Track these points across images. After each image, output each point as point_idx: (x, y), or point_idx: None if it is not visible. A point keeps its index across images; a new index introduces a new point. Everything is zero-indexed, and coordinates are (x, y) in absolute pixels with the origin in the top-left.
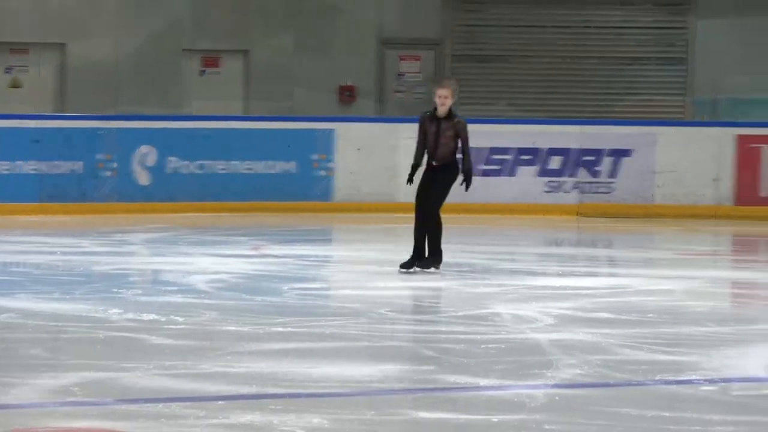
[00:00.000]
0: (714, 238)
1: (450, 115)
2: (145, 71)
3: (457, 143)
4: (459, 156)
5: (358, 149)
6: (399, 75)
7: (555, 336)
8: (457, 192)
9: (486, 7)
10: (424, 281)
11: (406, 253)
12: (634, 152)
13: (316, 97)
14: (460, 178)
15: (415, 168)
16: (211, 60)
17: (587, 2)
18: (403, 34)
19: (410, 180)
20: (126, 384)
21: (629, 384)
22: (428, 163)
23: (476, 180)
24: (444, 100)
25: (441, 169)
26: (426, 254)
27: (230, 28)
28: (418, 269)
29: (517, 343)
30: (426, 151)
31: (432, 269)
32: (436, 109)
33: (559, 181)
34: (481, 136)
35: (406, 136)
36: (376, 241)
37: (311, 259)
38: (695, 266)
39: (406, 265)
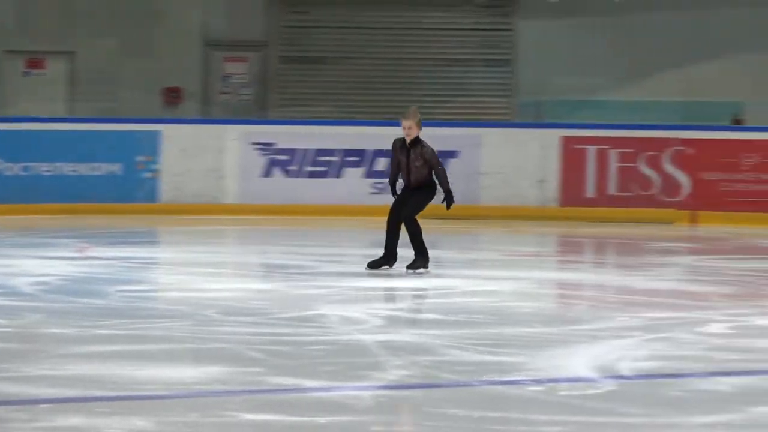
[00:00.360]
0: (539, 239)
1: (416, 142)
2: None
3: (429, 169)
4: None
5: (184, 150)
6: (224, 77)
7: (382, 337)
8: (285, 194)
9: (311, 9)
10: (251, 284)
11: (233, 254)
12: (460, 154)
13: (142, 99)
14: (440, 196)
15: (392, 185)
16: (35, 61)
17: (411, 4)
18: (228, 36)
19: (394, 194)
20: None
21: (456, 384)
22: (404, 186)
23: (303, 182)
24: (408, 130)
25: (417, 189)
26: (414, 255)
27: (55, 30)
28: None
29: (344, 344)
30: (401, 175)
31: (421, 270)
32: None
33: (385, 183)
34: (306, 137)
35: (232, 137)
36: (202, 243)
37: (137, 261)
38: (521, 267)
39: (373, 265)
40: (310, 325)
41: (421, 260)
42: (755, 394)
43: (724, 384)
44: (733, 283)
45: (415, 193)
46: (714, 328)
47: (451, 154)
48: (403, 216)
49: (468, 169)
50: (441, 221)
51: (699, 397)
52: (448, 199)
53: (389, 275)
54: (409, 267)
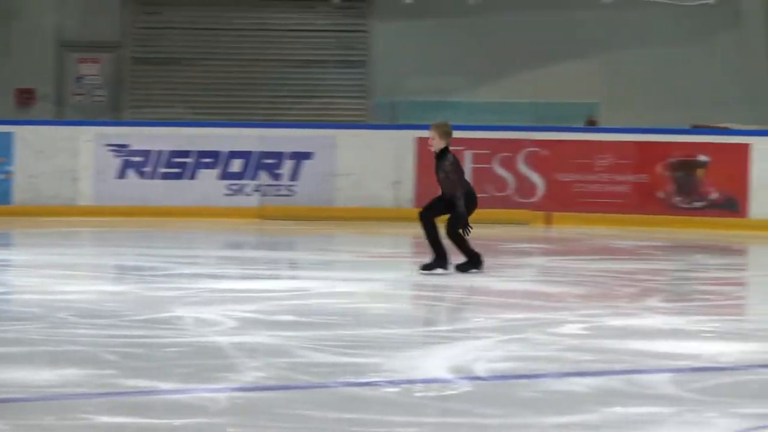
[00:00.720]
0: (394, 240)
1: (442, 154)
2: None
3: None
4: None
5: (38, 152)
6: (78, 78)
7: (237, 339)
8: (139, 195)
9: (164, 10)
10: (105, 286)
11: (88, 256)
12: (315, 155)
13: None
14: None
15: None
16: None
17: (265, 5)
18: (82, 37)
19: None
20: None
21: (312, 386)
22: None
23: (157, 183)
24: (431, 141)
25: (449, 201)
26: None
27: None
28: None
29: (199, 346)
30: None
31: (439, 270)
32: None
33: (240, 184)
34: (160, 139)
35: (86, 139)
36: (56, 245)
37: None
38: (376, 268)
39: (427, 267)
40: (165, 327)
41: (438, 262)
42: (609, 395)
43: (578, 384)
44: (586, 284)
45: (450, 207)
46: (568, 328)
47: (306, 155)
48: (447, 234)
49: (322, 170)
50: (297, 223)
51: (553, 398)
52: (453, 220)
53: (245, 278)
54: (422, 267)
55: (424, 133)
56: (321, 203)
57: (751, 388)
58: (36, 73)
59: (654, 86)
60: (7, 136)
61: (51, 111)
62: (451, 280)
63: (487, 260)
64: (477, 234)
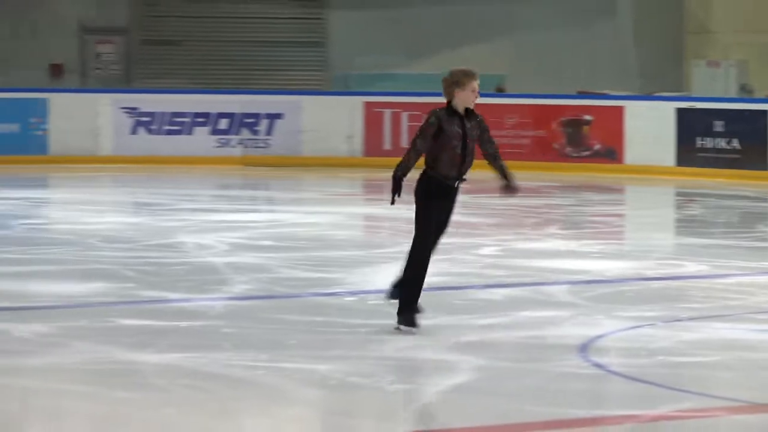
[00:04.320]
0: (349, 182)
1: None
2: None
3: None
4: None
5: (67, 114)
6: (97, 55)
7: (229, 259)
8: (148, 147)
9: (165, 1)
10: (124, 218)
11: (109, 195)
12: (285, 116)
13: (31, 74)
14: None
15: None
16: None
17: None
18: (99, 23)
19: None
20: None
21: (289, 296)
22: (450, 182)
23: (162, 138)
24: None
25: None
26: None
27: None
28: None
29: (199, 265)
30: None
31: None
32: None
33: (227, 138)
34: (164, 103)
35: (104, 103)
36: (83, 187)
37: (33, 200)
38: (335, 204)
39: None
40: (172, 250)
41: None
42: (520, 302)
43: (496, 294)
44: (499, 216)
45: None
46: (486, 250)
47: (278, 116)
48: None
49: (291, 127)
50: (272, 169)
51: (476, 305)
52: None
53: (233, 211)
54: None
55: (371, 99)
56: (291, 153)
57: (628, 296)
58: (64, 52)
59: (549, 61)
60: (43, 101)
61: (76, 81)
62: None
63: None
64: (412, 177)
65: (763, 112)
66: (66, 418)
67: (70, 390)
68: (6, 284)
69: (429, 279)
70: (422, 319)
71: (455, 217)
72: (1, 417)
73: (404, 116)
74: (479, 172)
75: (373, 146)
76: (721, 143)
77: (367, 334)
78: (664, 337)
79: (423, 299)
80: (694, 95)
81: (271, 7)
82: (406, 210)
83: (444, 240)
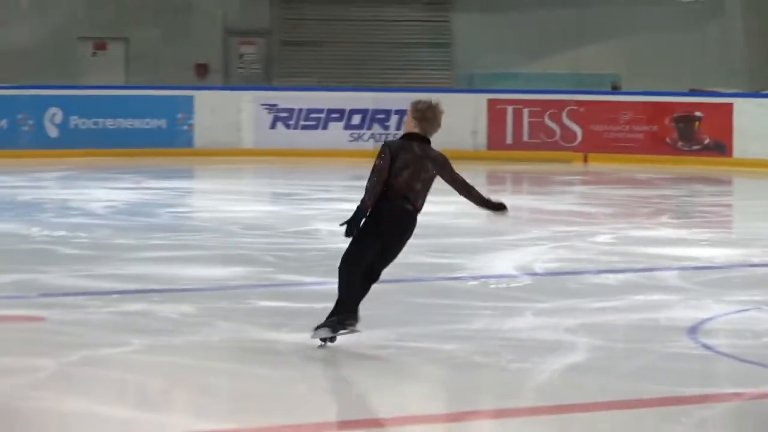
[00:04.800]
0: (473, 174)
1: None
2: (51, 53)
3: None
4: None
5: (211, 110)
6: (240, 55)
7: None
8: (286, 141)
9: (304, 5)
10: (263, 206)
11: (250, 185)
12: None
13: (179, 72)
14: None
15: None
16: (100, 44)
17: (376, 2)
18: (241, 25)
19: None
20: (44, 283)
21: (416, 280)
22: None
23: (299, 132)
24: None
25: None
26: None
27: (114, 21)
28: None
29: (333, 250)
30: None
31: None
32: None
33: (359, 133)
34: (301, 100)
35: (246, 100)
36: (226, 177)
37: (179, 190)
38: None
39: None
40: (308, 236)
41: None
42: (633, 286)
43: (610, 279)
44: (614, 206)
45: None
46: (601, 238)
47: (404, 112)
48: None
49: None
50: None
51: (591, 289)
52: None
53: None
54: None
55: (494, 96)
56: None
57: (735, 281)
58: (209, 52)
59: (662, 61)
60: (189, 98)
61: (220, 80)
62: (514, 202)
63: (540, 189)
64: (532, 169)
65: None
66: (211, 394)
67: (214, 367)
68: (154, 268)
69: (546, 265)
70: (537, 302)
71: (571, 207)
72: (152, 391)
73: (525, 112)
74: (598, 166)
75: (496, 141)
76: None
77: (489, 315)
78: None
79: (537, 282)
80: None
81: (400, 11)
82: (526, 201)
83: (563, 228)
